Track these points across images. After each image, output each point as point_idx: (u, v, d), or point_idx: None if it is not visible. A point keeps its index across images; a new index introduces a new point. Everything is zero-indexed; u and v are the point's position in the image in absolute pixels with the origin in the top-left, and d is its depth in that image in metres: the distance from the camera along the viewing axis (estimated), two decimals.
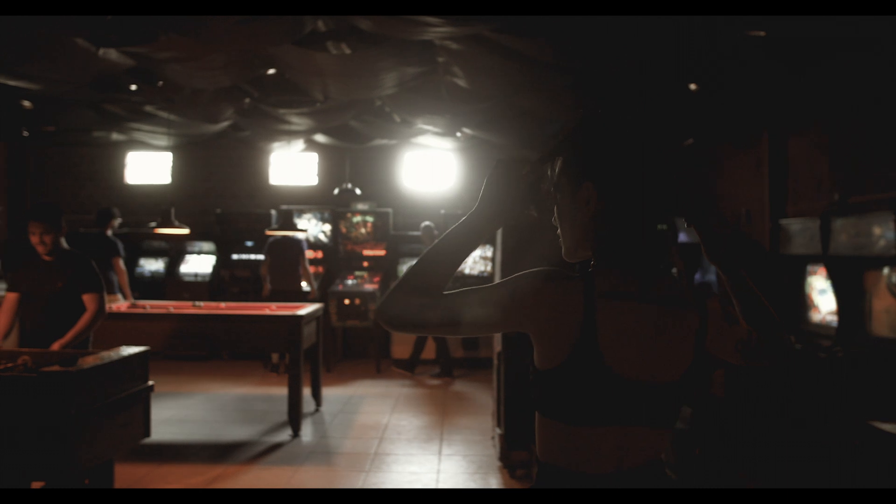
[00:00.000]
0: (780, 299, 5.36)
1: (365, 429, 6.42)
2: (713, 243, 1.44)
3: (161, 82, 6.36)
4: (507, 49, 5.34)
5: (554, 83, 6.09)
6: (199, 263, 10.08)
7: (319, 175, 10.69)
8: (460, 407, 7.36)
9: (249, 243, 9.99)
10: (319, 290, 9.43)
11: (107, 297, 7.31)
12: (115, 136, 9.75)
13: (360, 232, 10.12)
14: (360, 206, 10.20)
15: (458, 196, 10.35)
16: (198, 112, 7.94)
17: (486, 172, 1.56)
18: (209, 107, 7.69)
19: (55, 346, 4.40)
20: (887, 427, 3.41)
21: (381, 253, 10.10)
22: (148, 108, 7.71)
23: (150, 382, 4.17)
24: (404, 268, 9.88)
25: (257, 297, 8.69)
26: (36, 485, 3.60)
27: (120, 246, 8.07)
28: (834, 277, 4.61)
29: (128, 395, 3.88)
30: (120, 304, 6.90)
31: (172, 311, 6.54)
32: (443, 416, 6.94)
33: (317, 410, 7.02)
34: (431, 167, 10.62)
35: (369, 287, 9.45)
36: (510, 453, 5.19)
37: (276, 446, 5.82)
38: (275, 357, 8.88)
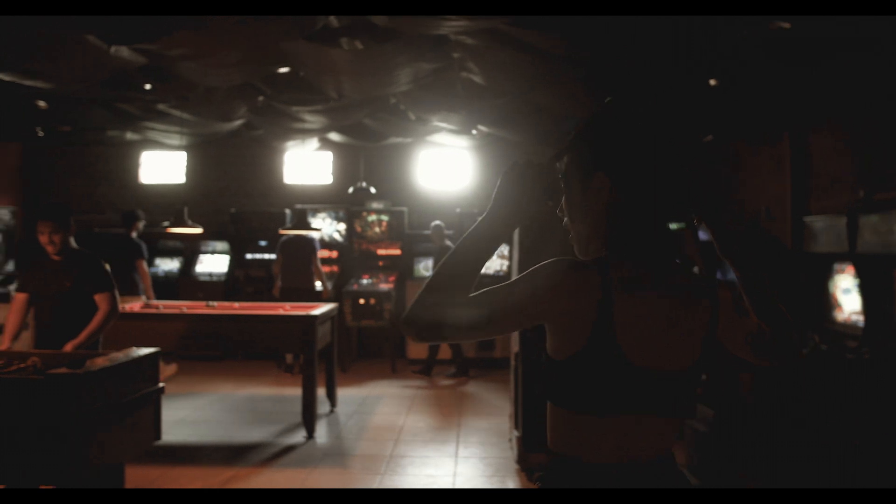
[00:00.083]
0: (803, 298, 5.24)
1: (380, 430, 6.34)
2: (725, 240, 1.45)
3: (173, 80, 6.30)
4: (522, 43, 5.24)
5: (569, 77, 5.98)
6: (213, 263, 10.03)
7: (334, 174, 10.63)
8: (476, 408, 7.27)
9: (264, 243, 9.93)
10: (334, 289, 9.37)
11: (131, 299, 7.38)
12: (130, 136, 9.72)
13: (375, 231, 10.03)
14: (375, 205, 10.12)
15: (473, 195, 10.25)
16: (211, 110, 7.88)
17: (501, 171, 1.53)
18: (222, 105, 7.64)
19: (68, 347, 4.35)
20: None
21: (397, 252, 10.01)
22: (161, 107, 7.66)
23: (161, 384, 4.10)
24: (420, 267, 9.81)
25: (272, 296, 8.63)
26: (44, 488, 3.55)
27: (144, 248, 8.07)
28: (861, 276, 4.48)
29: (137, 397, 3.81)
30: (133, 304, 6.84)
31: (185, 311, 6.48)
32: (459, 417, 6.85)
33: (332, 411, 6.95)
34: (446, 165, 10.53)
35: (384, 286, 9.38)
36: (528, 455, 5.10)
37: (290, 448, 5.74)
38: (289, 357, 8.81)
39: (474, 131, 8.95)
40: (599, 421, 1.44)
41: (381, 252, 10.02)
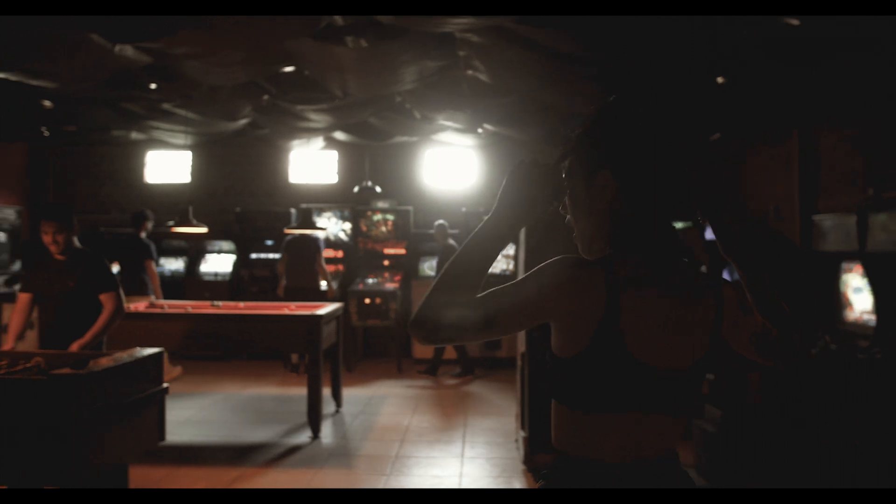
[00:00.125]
0: (812, 297, 5.19)
1: (386, 430, 6.31)
2: (727, 238, 1.43)
3: (177, 79, 6.28)
4: (529, 41, 5.20)
5: (577, 75, 5.93)
6: (218, 263, 10.01)
7: (339, 173, 10.60)
8: (482, 408, 7.23)
9: (269, 242, 9.91)
10: (339, 289, 9.34)
11: (140, 299, 7.40)
12: (135, 136, 9.71)
13: (381, 230, 10.00)
14: (381, 205, 10.08)
15: (479, 194, 10.21)
16: (216, 109, 7.86)
17: (507, 170, 1.51)
18: (227, 104, 7.62)
19: (74, 347, 4.34)
20: None
21: (402, 251, 9.98)
22: (166, 106, 7.64)
23: (165, 384, 4.07)
24: (425, 266, 9.78)
25: (277, 296, 8.60)
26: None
27: (153, 248, 8.08)
28: (871, 275, 4.43)
29: (141, 397, 3.78)
30: (137, 303, 6.83)
31: (190, 310, 6.46)
32: (465, 417, 6.81)
33: (337, 411, 6.92)
34: (452, 165, 10.49)
35: (390, 286, 9.35)
36: (535, 456, 5.06)
37: (296, 448, 5.72)
38: (294, 357, 8.79)
39: (480, 130, 8.91)
40: (604, 419, 1.44)
41: (386, 251, 9.99)
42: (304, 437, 6.00)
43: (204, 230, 7.82)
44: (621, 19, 4.59)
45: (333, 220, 10.14)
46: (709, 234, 1.52)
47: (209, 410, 6.95)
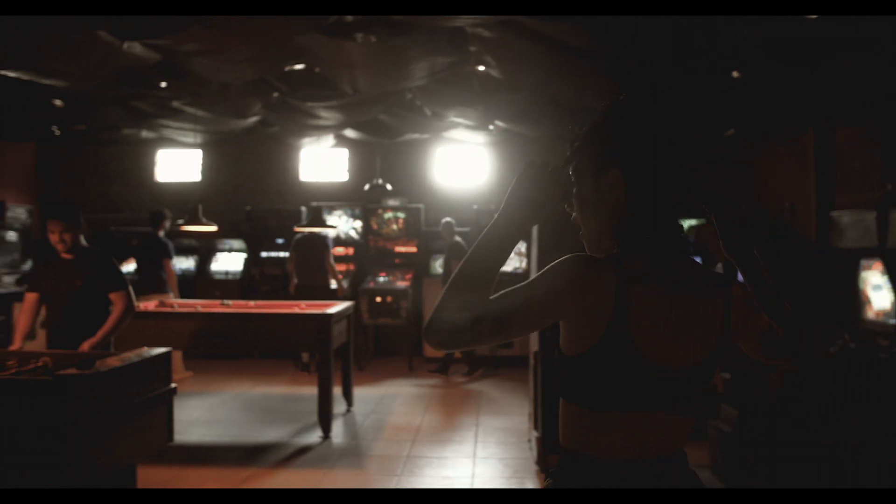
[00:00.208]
0: (828, 295, 5.10)
1: (397, 430, 6.25)
2: (729, 237, 1.48)
3: (186, 76, 6.24)
4: (541, 35, 5.13)
5: (590, 70, 5.86)
6: (229, 261, 9.98)
7: (350, 171, 10.55)
8: (494, 407, 7.16)
9: (280, 241, 9.87)
10: (350, 287, 9.29)
11: (159, 297, 7.41)
12: (145, 134, 9.69)
13: (392, 228, 9.95)
14: (391, 203, 10.02)
15: (490, 191, 10.13)
16: (225, 107, 7.83)
17: (518, 168, 1.49)
18: (237, 101, 7.58)
19: (84, 346, 4.31)
20: None
21: (413, 250, 9.92)
22: (175, 104, 7.61)
23: (173, 385, 4.02)
24: (436, 264, 9.71)
25: (288, 295, 8.55)
26: None
27: (171, 247, 8.08)
28: (891, 272, 4.35)
29: (148, 398, 3.73)
30: (147, 302, 6.80)
31: (200, 309, 6.43)
32: (476, 416, 6.75)
33: (348, 411, 6.87)
34: (463, 162, 10.42)
35: (401, 284, 9.29)
36: (548, 457, 4.99)
37: (306, 449, 5.66)
38: (305, 356, 8.74)
39: (491, 127, 8.84)
40: (612, 417, 1.43)
41: (397, 249, 9.93)
42: (315, 436, 5.95)
43: (214, 229, 7.81)
44: (633, 17, 4.53)
45: (344, 218, 10.10)
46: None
47: (219, 410, 6.91)
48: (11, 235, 9.12)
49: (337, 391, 6.53)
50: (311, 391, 6.73)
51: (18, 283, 8.53)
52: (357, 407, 6.99)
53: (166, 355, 3.97)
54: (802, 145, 6.48)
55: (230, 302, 7.01)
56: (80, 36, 5.16)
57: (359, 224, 10.09)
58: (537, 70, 6.03)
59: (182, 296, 8.24)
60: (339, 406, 6.72)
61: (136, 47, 5.44)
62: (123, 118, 8.52)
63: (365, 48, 5.56)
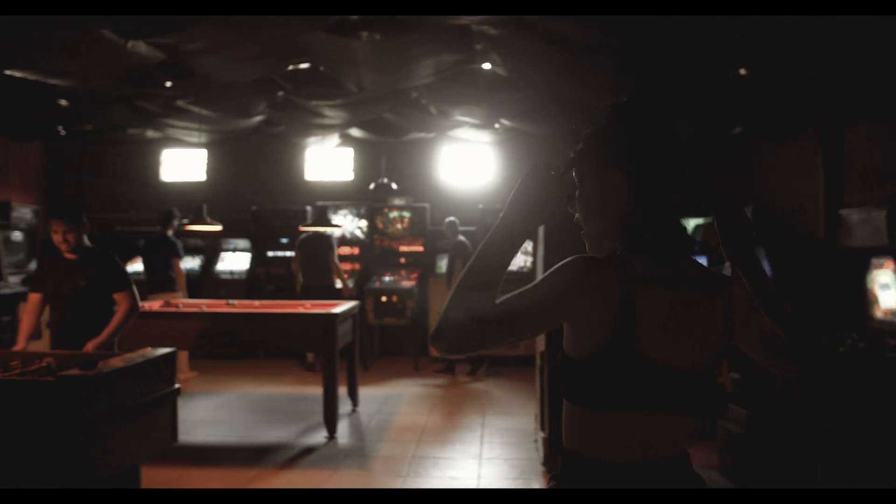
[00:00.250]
0: (839, 294, 5.05)
1: (402, 430, 6.22)
2: (729, 238, 1.46)
3: (191, 76, 6.22)
4: (548, 32, 5.09)
5: (594, 67, 5.81)
6: (234, 261, 9.96)
7: (355, 170, 10.52)
8: (500, 407, 7.13)
9: (285, 240, 9.84)
10: (356, 287, 9.26)
11: (169, 295, 7.42)
12: (150, 134, 9.70)
13: (397, 228, 9.91)
14: (397, 202, 9.99)
15: (496, 190, 10.08)
16: (230, 106, 7.81)
17: (524, 167, 1.51)
18: (242, 100, 7.56)
19: (89, 346, 4.29)
20: None
21: (419, 249, 9.89)
22: (180, 103, 7.59)
23: (177, 385, 3.99)
24: (442, 263, 9.67)
25: (293, 294, 8.53)
26: None
27: (180, 246, 8.08)
28: None
29: (152, 398, 3.70)
30: (152, 302, 6.79)
31: (205, 309, 6.41)
32: (482, 416, 6.71)
33: (353, 411, 6.84)
34: (469, 161, 10.38)
35: (406, 284, 9.26)
36: (555, 458, 4.96)
37: (311, 449, 5.64)
38: (310, 356, 8.71)
39: (497, 125, 8.81)
40: (615, 418, 1.43)
41: (403, 249, 9.90)
42: (320, 436, 5.93)
43: (218, 228, 7.79)
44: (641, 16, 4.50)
45: (349, 217, 10.07)
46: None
47: (224, 410, 6.89)
48: (17, 235, 9.12)
49: (342, 391, 6.50)
50: (317, 391, 6.70)
51: (24, 282, 8.52)
52: (362, 407, 6.97)
53: (170, 356, 3.94)
54: (810, 143, 6.42)
55: (235, 302, 6.99)
56: (83, 35, 5.14)
57: (364, 223, 10.06)
58: (543, 67, 5.99)
59: (187, 296, 8.23)
60: (344, 406, 6.70)
61: (141, 46, 5.42)
62: (128, 118, 8.51)
63: (369, 46, 5.53)
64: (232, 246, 10.07)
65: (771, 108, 6.61)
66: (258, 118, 8.76)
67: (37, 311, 4.52)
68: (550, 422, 4.97)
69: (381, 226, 9.92)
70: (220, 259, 9.98)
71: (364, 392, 7.36)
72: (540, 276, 1.49)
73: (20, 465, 3.11)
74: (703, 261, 5.50)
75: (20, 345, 4.40)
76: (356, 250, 9.97)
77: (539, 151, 9.52)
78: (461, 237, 8.75)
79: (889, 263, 4.55)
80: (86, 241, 4.55)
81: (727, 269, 4.41)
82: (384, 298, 9.05)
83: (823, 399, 4.21)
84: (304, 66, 6.39)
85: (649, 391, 1.42)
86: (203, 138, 9.51)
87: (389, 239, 9.92)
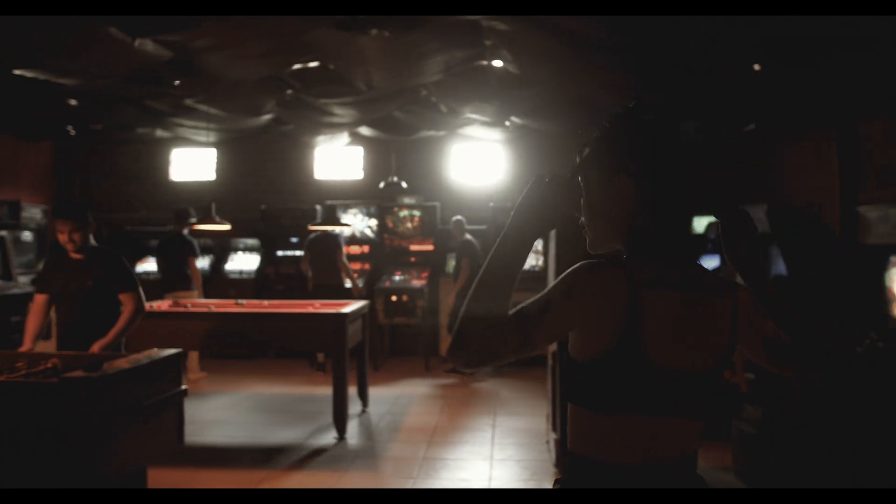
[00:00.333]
0: (857, 293, 4.96)
1: (413, 431, 6.16)
2: (731, 241, 1.51)
3: (199, 74, 6.18)
4: (559, 28, 5.01)
5: (605, 64, 5.73)
6: (244, 261, 9.93)
7: (365, 169, 10.46)
8: (511, 407, 7.06)
9: (295, 240, 9.80)
10: (366, 286, 9.21)
11: (185, 294, 7.40)
12: (160, 133, 9.67)
13: (407, 226, 9.85)
14: (407, 200, 9.92)
15: (507, 188, 10.00)
16: (238, 104, 7.77)
17: (535, 165, 1.42)
18: (250, 98, 7.52)
19: (95, 347, 4.25)
20: None
21: (429, 248, 9.82)
22: (188, 102, 7.55)
23: (184, 386, 3.94)
24: (452, 263, 9.61)
25: (303, 294, 8.48)
26: None
27: (196, 245, 8.09)
28: None
29: (158, 400, 3.65)
30: (160, 303, 6.75)
31: (213, 309, 6.36)
32: (494, 417, 6.65)
33: (363, 411, 6.79)
34: (479, 159, 10.30)
35: (417, 283, 9.19)
36: (566, 459, 4.87)
37: (321, 450, 5.58)
38: (320, 356, 8.67)
39: (507, 123, 8.73)
40: (620, 421, 1.44)
41: (413, 248, 9.84)
42: (330, 437, 5.88)
43: (227, 227, 7.76)
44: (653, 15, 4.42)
45: (359, 216, 10.01)
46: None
47: (233, 410, 6.85)
48: (27, 235, 9.12)
49: (352, 391, 6.44)
50: (326, 391, 6.63)
51: (34, 282, 8.52)
52: (372, 407, 6.91)
53: (176, 357, 3.89)
54: (825, 140, 6.33)
55: (244, 301, 6.94)
56: (91, 33, 5.11)
57: (374, 222, 10.00)
58: (553, 64, 5.91)
59: (203, 294, 8.21)
60: (354, 406, 6.64)
61: (148, 44, 5.38)
62: (138, 117, 8.49)
63: (378, 42, 5.46)
64: (241, 245, 10.03)
65: (785, 104, 6.52)
66: (267, 117, 8.72)
67: (42, 312, 4.48)
68: (562, 423, 4.90)
69: (391, 225, 9.86)
70: (229, 258, 9.95)
71: (374, 392, 7.31)
72: (552, 274, 1.45)
73: (23, 467, 3.07)
74: (716, 259, 5.39)
75: (26, 345, 4.36)
76: (366, 249, 9.91)
77: (550, 150, 9.45)
78: (468, 236, 8.70)
79: None
80: (92, 240, 4.51)
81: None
82: (394, 298, 9.00)
83: (841, 398, 4.12)
84: (312, 64, 6.34)
85: (654, 394, 1.42)
86: (212, 137, 9.48)
87: (399, 238, 9.86)
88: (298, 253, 9.57)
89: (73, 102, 7.55)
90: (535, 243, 1.55)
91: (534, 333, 1.42)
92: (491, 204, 9.58)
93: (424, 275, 9.47)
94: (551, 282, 1.51)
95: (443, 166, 10.32)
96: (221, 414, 6.68)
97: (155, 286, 8.16)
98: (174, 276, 7.85)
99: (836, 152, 6.11)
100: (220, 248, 9.99)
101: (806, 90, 5.92)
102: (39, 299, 4.49)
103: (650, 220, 1.49)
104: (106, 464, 3.25)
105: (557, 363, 5.01)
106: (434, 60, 5.92)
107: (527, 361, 8.83)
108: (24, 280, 8.40)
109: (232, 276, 9.70)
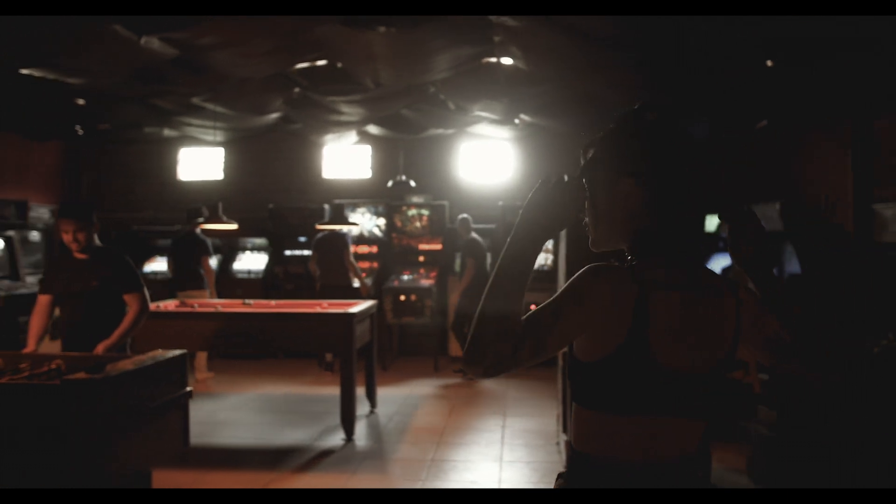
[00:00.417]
0: (872, 291, 4.88)
1: (421, 432, 6.10)
2: (736, 245, 1.52)
3: (205, 72, 6.13)
4: (568, 25, 4.94)
5: (615, 61, 5.66)
6: (252, 260, 9.88)
7: (373, 168, 10.41)
8: (521, 408, 6.99)
9: (303, 239, 9.75)
10: (374, 286, 9.15)
11: (198, 293, 7.38)
12: (167, 133, 9.64)
13: (416, 226, 9.78)
14: (415, 199, 9.86)
15: (516, 187, 9.93)
16: (245, 103, 7.73)
17: (545, 163, 1.36)
18: (257, 97, 7.47)
19: (99, 348, 4.22)
20: None
21: (438, 247, 9.74)
22: (195, 101, 7.52)
23: (189, 388, 3.89)
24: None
25: (311, 293, 8.44)
26: None
27: (209, 244, 8.07)
28: None
29: (162, 402, 3.60)
30: (167, 303, 6.71)
31: (220, 309, 6.32)
32: (503, 417, 6.58)
33: (371, 412, 6.73)
34: (488, 158, 10.23)
35: (425, 283, 9.13)
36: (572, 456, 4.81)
37: (329, 452, 5.53)
38: (328, 355, 8.62)
39: (517, 121, 8.66)
40: (625, 421, 1.44)
41: (421, 247, 9.77)
42: (338, 438, 5.82)
43: (234, 227, 7.72)
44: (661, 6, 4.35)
45: (368, 215, 9.96)
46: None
47: (241, 411, 6.81)
48: (35, 235, 9.11)
49: (360, 392, 6.39)
50: (334, 391, 6.59)
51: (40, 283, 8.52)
52: (380, 408, 6.86)
53: (181, 358, 3.84)
54: (838, 136, 6.24)
55: (251, 301, 6.90)
56: (97, 31, 5.07)
57: (382, 222, 9.94)
58: (562, 60, 5.84)
59: (216, 294, 8.17)
60: (362, 407, 6.59)
61: (154, 42, 5.34)
62: (145, 116, 8.46)
63: (386, 39, 5.40)
64: (249, 245, 9.99)
65: (797, 100, 6.43)
66: (274, 115, 8.68)
67: (46, 313, 4.45)
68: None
69: (399, 224, 9.80)
70: (237, 258, 9.90)
71: (382, 392, 7.26)
72: (561, 273, 1.41)
73: (26, 469, 3.03)
74: (728, 258, 5.32)
75: (30, 346, 4.32)
76: (374, 249, 9.85)
77: (559, 148, 9.36)
78: (474, 234, 8.64)
79: None
80: (96, 240, 4.46)
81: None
82: (402, 297, 8.94)
83: (855, 399, 4.05)
84: (319, 62, 6.29)
85: (658, 395, 1.43)
86: (219, 136, 9.45)
87: (408, 237, 9.79)
88: (307, 252, 9.52)
89: (80, 102, 7.52)
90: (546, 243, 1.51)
91: (548, 339, 1.42)
92: (500, 203, 9.50)
93: (433, 274, 9.40)
94: (561, 281, 1.47)
95: (451, 165, 10.26)
96: (229, 414, 6.64)
97: (165, 286, 8.14)
98: (186, 276, 7.84)
99: (851, 150, 6.02)
100: (228, 247, 9.94)
101: (819, 86, 5.83)
102: (42, 300, 4.46)
103: (655, 221, 1.49)
104: (110, 467, 3.20)
105: (568, 363, 4.94)
106: (442, 57, 5.86)
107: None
108: (31, 280, 8.38)
109: (240, 275, 9.66)
